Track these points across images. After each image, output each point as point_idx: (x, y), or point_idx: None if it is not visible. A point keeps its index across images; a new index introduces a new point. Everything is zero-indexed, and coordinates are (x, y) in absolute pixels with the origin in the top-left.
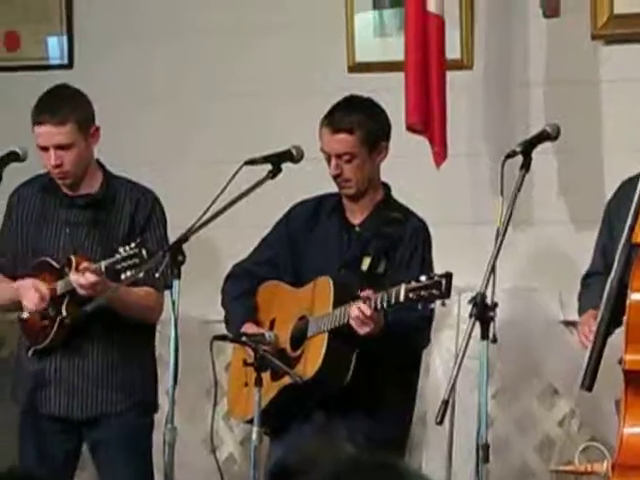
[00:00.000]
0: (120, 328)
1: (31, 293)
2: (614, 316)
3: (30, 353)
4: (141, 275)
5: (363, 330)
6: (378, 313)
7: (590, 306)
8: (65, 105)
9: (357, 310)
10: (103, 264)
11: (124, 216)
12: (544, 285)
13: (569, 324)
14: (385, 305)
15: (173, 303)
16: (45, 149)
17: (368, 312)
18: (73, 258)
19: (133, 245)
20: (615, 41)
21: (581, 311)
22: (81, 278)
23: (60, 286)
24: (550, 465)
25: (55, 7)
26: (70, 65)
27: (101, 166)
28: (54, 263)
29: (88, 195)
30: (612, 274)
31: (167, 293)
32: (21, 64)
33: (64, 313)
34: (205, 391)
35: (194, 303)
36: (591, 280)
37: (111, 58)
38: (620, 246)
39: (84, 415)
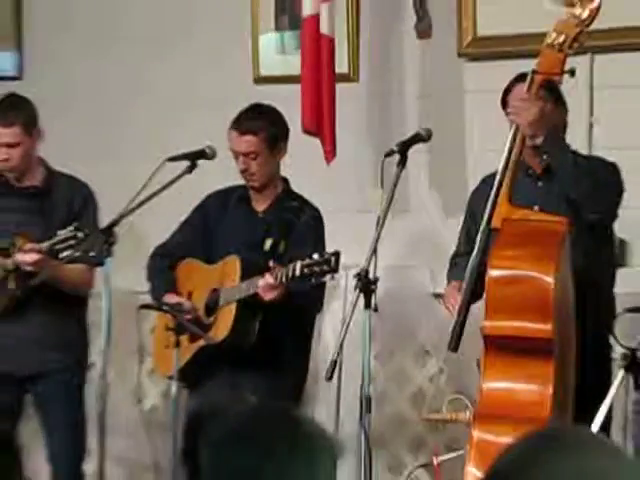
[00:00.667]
0: (57, 298)
1: None
2: (475, 290)
3: None
4: (77, 254)
5: (268, 297)
6: (279, 284)
7: (455, 278)
8: (13, 110)
9: (264, 280)
10: (45, 245)
11: (62, 204)
12: (418, 263)
13: (438, 296)
14: (284, 279)
15: (105, 277)
16: None
17: (272, 281)
18: (18, 240)
19: (70, 228)
20: (477, 59)
21: (449, 282)
22: (26, 256)
23: (9, 263)
24: (422, 414)
25: (7, 27)
26: (20, 77)
27: (43, 162)
28: (1, 244)
29: (32, 187)
30: (474, 254)
31: (100, 269)
32: None
33: (12, 286)
34: (132, 352)
35: (123, 277)
36: (457, 259)
37: (53, 70)
38: (480, 231)
39: (27, 372)
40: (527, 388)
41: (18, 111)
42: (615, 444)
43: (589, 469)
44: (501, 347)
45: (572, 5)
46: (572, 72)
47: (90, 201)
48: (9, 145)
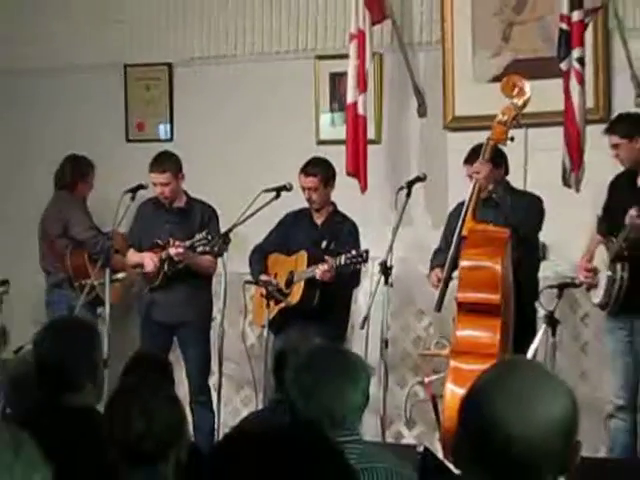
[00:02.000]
0: (193, 276)
1: (147, 259)
2: (451, 273)
3: (147, 289)
4: (207, 249)
5: (324, 278)
6: (332, 269)
7: (437, 265)
8: (165, 161)
9: (321, 267)
10: (187, 243)
11: (197, 218)
12: (417, 257)
13: (428, 277)
14: (334, 266)
15: (224, 264)
16: (155, 185)
17: (326, 268)
18: (170, 240)
19: (203, 233)
20: (455, 130)
21: (431, 268)
22: (176, 250)
23: (164, 254)
24: (419, 351)
25: (163, 108)
26: (171, 139)
27: (185, 192)
28: (160, 242)
29: (178, 208)
30: (451, 250)
31: (220, 259)
32: (145, 138)
33: (165, 269)
34: (239, 310)
35: (235, 264)
36: (438, 253)
37: (191, 136)
38: (455, 236)
39: (176, 321)
40: (483, 335)
41: (169, 162)
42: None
43: (531, 380)
44: (467, 309)
45: (512, 97)
46: (512, 139)
47: (214, 216)
48: (163, 184)
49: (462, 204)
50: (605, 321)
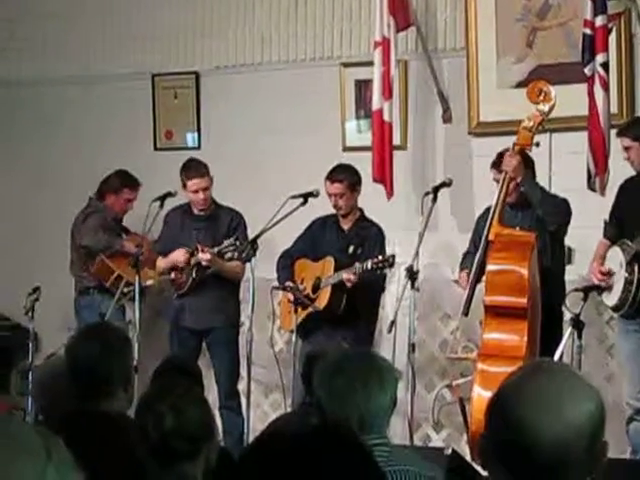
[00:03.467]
0: (223, 282)
1: (178, 253)
2: (479, 277)
3: (175, 295)
4: (235, 255)
5: (349, 283)
6: (357, 275)
7: (465, 267)
8: (201, 166)
9: (347, 273)
10: (215, 249)
11: (224, 224)
12: (443, 262)
13: (455, 281)
14: (360, 271)
15: (252, 270)
16: (196, 192)
17: (352, 274)
18: (199, 246)
19: (231, 240)
20: (479, 135)
21: (460, 270)
22: (205, 255)
23: (193, 260)
24: (447, 354)
25: (191, 117)
26: (199, 147)
27: (212, 199)
28: (188, 249)
29: (206, 214)
30: (478, 254)
31: (248, 264)
32: (173, 146)
33: (194, 275)
34: (268, 315)
35: (262, 270)
36: (467, 256)
37: (218, 143)
38: (482, 239)
39: (204, 326)
40: (510, 338)
41: (205, 167)
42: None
43: (558, 382)
44: (495, 313)
45: (538, 103)
46: (537, 144)
47: (241, 223)
48: (204, 189)
49: (490, 208)
50: (620, 324)
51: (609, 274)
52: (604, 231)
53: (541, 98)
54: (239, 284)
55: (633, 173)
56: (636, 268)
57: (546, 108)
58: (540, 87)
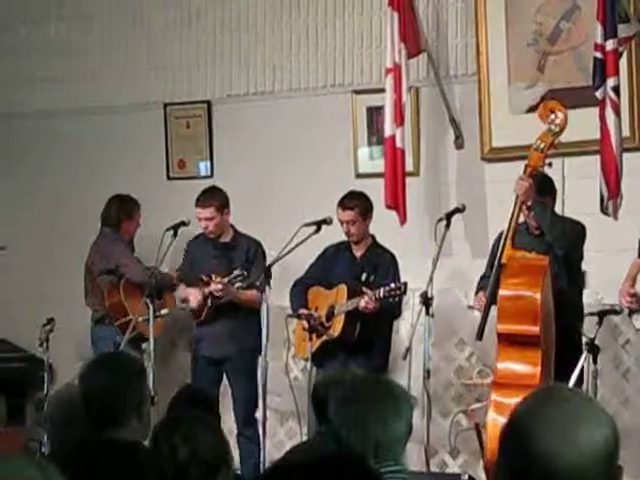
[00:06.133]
0: (239, 310)
1: (192, 297)
2: (492, 300)
3: (195, 325)
4: (244, 285)
5: (367, 309)
6: (375, 301)
7: (481, 288)
8: (210, 196)
9: (363, 301)
10: (225, 279)
11: (242, 253)
12: (457, 288)
13: (469, 307)
14: (374, 298)
15: (266, 298)
16: (200, 220)
17: (365, 302)
18: (213, 276)
19: (239, 270)
20: (491, 161)
21: (476, 292)
22: (216, 286)
23: (207, 290)
24: (462, 380)
25: (203, 145)
26: (212, 176)
27: (232, 227)
28: (203, 278)
29: (224, 242)
30: (492, 277)
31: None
32: (186, 176)
33: (209, 304)
34: (282, 343)
35: (277, 298)
36: (483, 279)
37: (231, 172)
38: (495, 263)
39: (222, 355)
40: (524, 366)
41: (214, 198)
42: (585, 393)
43: (571, 408)
44: (508, 340)
45: (549, 123)
46: (550, 164)
47: (259, 251)
48: (207, 219)
49: (502, 232)
50: None
51: (637, 296)
52: (638, 251)
53: (552, 118)
54: (258, 312)
55: None
56: None
57: (557, 128)
58: (551, 107)
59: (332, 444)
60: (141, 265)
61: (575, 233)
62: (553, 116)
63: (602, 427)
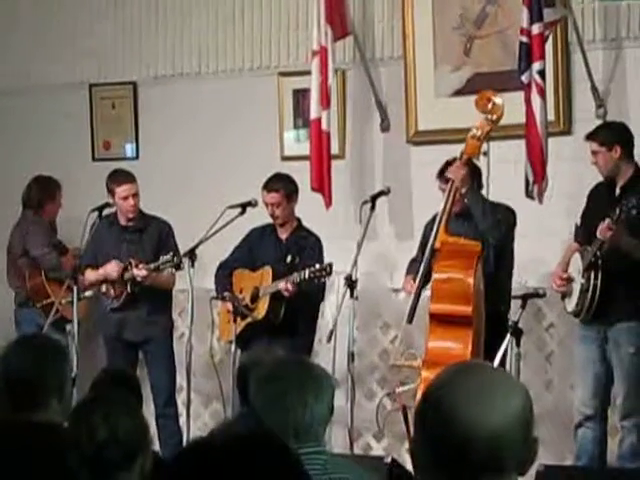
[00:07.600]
0: (155, 293)
1: (111, 268)
2: (424, 284)
3: (108, 309)
4: (173, 270)
5: (286, 293)
6: (295, 284)
7: (411, 273)
8: (130, 174)
9: (283, 283)
10: (152, 265)
11: (154, 235)
12: (382, 271)
13: (394, 290)
14: (298, 280)
15: (190, 280)
16: (126, 198)
17: (289, 284)
18: (132, 261)
19: (168, 256)
20: (417, 144)
21: (406, 275)
22: (141, 272)
23: (127, 275)
24: (390, 362)
25: (129, 127)
26: (137, 158)
27: (140, 210)
28: (131, 262)
29: (134, 225)
30: (424, 262)
31: (186, 275)
32: (111, 157)
33: (129, 290)
34: (207, 326)
35: (201, 280)
36: (413, 263)
37: (156, 153)
38: (428, 248)
39: (139, 338)
40: (455, 346)
41: (131, 176)
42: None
43: (487, 378)
44: (440, 321)
45: (486, 112)
46: (485, 153)
47: (170, 232)
48: (134, 195)
49: (435, 217)
50: (578, 329)
51: (568, 280)
52: (574, 235)
53: (489, 107)
54: (171, 293)
55: (573, 180)
56: (592, 275)
57: (494, 117)
58: (488, 96)
59: (253, 425)
60: (45, 247)
61: (508, 222)
62: (491, 105)
63: (518, 395)
